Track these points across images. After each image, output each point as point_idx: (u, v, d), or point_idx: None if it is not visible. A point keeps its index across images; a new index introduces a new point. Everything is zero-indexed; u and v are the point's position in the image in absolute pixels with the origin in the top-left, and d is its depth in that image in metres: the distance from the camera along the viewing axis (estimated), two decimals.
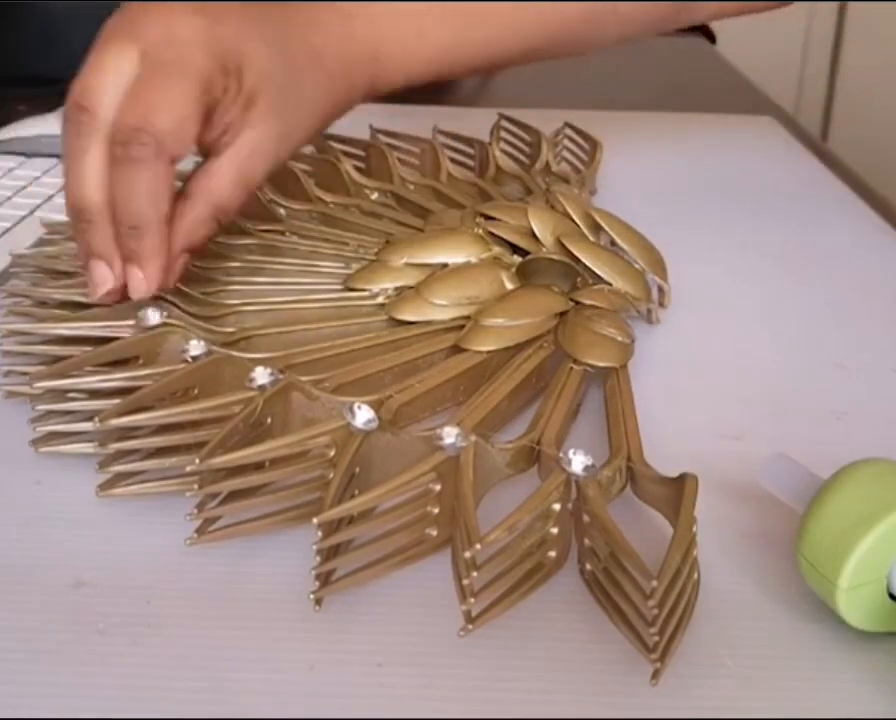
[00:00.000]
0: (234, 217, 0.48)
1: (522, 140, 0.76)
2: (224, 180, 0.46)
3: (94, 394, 0.40)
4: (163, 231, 0.43)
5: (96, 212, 0.43)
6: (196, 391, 0.40)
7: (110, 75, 0.43)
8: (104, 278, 0.43)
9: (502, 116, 0.78)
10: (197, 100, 0.44)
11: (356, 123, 0.80)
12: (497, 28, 0.59)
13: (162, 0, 0.46)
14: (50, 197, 0.67)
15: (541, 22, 0.60)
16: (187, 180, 0.46)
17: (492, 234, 0.54)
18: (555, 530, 0.33)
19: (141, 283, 0.43)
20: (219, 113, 0.45)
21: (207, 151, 0.47)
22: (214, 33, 0.45)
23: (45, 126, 0.78)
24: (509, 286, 0.50)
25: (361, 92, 0.55)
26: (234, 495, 0.35)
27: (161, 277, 0.44)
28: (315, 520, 0.32)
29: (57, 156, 0.74)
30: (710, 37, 1.42)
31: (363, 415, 0.36)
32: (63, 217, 0.60)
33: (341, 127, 0.77)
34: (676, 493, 0.34)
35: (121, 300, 0.44)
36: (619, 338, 0.46)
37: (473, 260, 0.52)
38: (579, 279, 0.51)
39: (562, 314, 0.48)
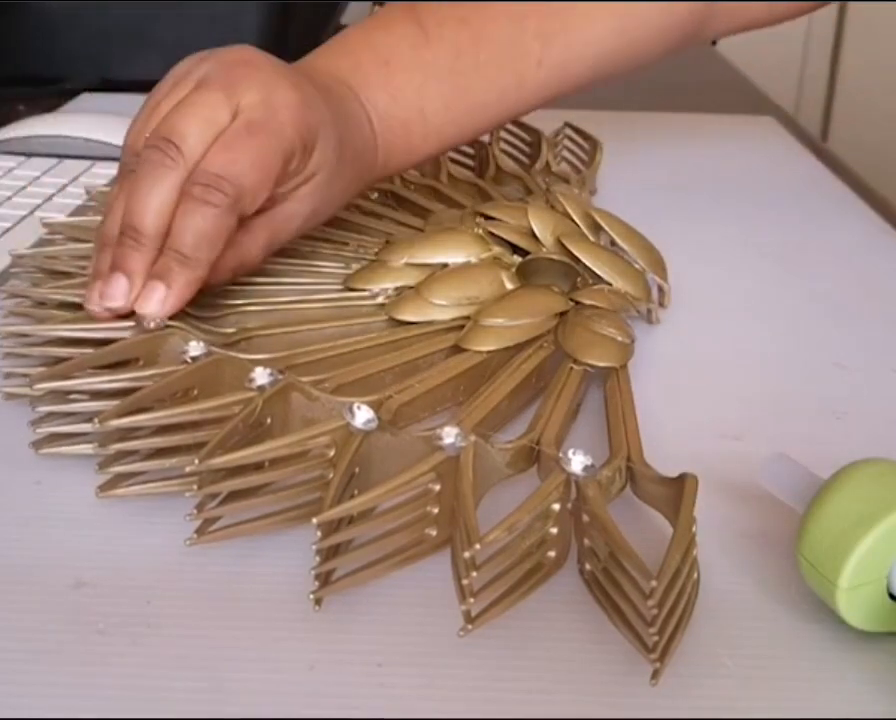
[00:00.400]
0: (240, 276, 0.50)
1: (522, 140, 0.76)
2: (255, 240, 0.48)
3: (94, 395, 0.40)
4: (206, 272, 0.45)
5: (150, 237, 0.44)
6: (196, 392, 0.40)
7: (202, 121, 0.45)
8: (119, 295, 0.43)
9: None
10: (279, 168, 0.46)
11: None
12: (498, 109, 0.61)
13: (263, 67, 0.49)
14: (50, 197, 0.67)
15: (548, 87, 0.62)
16: None
17: (492, 234, 0.54)
18: (555, 530, 0.33)
19: (158, 303, 0.43)
20: (281, 189, 0.48)
21: None
22: (304, 113, 0.48)
23: (44, 126, 0.78)
24: (509, 286, 0.50)
25: (367, 185, 0.59)
26: (234, 495, 0.35)
27: (178, 307, 0.44)
28: (315, 520, 0.32)
29: (57, 156, 0.74)
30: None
31: (363, 415, 0.36)
32: (63, 217, 0.60)
33: None
34: (676, 493, 0.34)
35: (110, 317, 0.44)
36: (619, 338, 0.46)
37: (473, 260, 0.52)
38: (579, 279, 0.51)
39: (562, 314, 0.48)
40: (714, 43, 1.39)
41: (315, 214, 0.51)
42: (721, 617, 0.33)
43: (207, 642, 0.32)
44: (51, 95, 0.96)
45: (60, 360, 0.41)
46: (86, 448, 0.39)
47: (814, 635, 0.33)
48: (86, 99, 0.96)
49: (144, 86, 1.00)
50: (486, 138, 0.73)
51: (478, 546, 0.30)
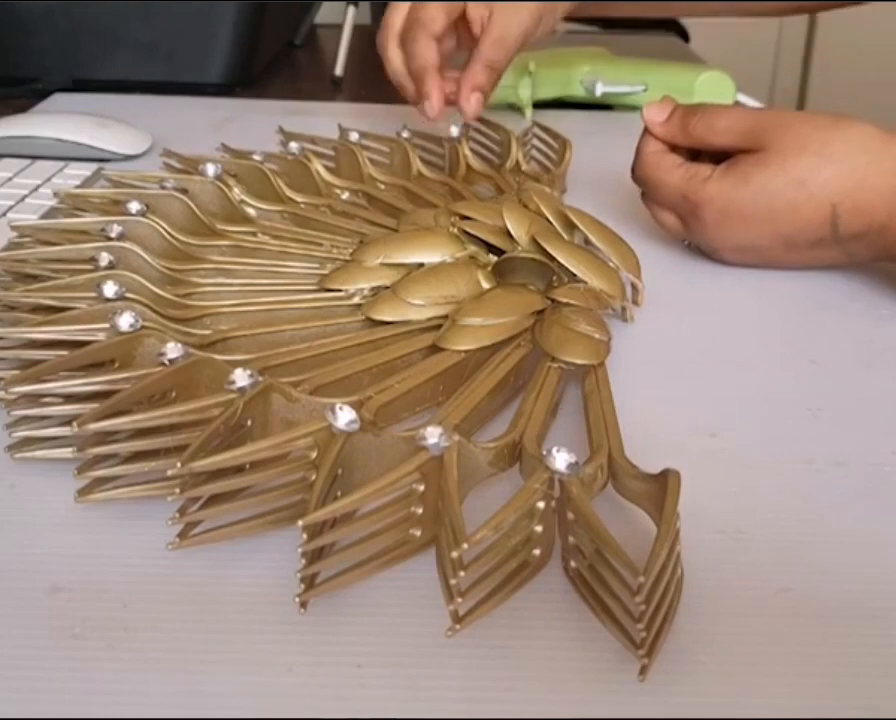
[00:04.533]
0: (499, 74, 0.77)
1: (491, 139, 0.77)
2: (486, 43, 0.75)
3: (69, 398, 0.39)
4: (435, 75, 0.74)
5: (402, 78, 0.78)
6: (174, 394, 0.39)
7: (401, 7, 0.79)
8: (421, 110, 0.75)
9: None
10: (446, 11, 0.76)
11: (325, 123, 0.80)
12: None
13: None
14: (23, 198, 0.66)
15: None
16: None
17: (467, 233, 0.54)
18: (539, 528, 0.33)
19: (430, 108, 0.74)
20: (471, 14, 0.77)
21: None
22: None
23: (16, 127, 0.77)
24: (485, 285, 0.50)
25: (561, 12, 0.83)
26: (215, 499, 0.35)
27: (440, 102, 0.74)
28: (300, 522, 0.31)
29: (29, 157, 0.74)
30: (684, 36, 1.44)
31: (345, 416, 0.36)
32: (35, 218, 0.59)
33: (309, 126, 0.77)
34: (658, 489, 0.34)
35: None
36: (596, 336, 0.46)
37: (449, 259, 0.52)
38: (554, 277, 0.52)
39: (539, 312, 0.48)
40: (687, 40, 1.40)
41: (522, 15, 0.77)
42: (700, 614, 0.33)
43: (184, 645, 0.32)
44: (23, 96, 0.95)
45: (34, 363, 0.41)
46: (63, 452, 0.38)
47: (794, 630, 0.33)
48: (58, 99, 0.95)
49: (116, 86, 0.99)
50: (456, 137, 0.73)
51: (466, 546, 0.30)
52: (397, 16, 0.78)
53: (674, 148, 0.61)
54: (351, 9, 1.14)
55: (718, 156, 0.59)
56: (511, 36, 0.76)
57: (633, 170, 0.62)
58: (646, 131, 0.61)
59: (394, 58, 0.78)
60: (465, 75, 0.75)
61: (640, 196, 0.63)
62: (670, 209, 0.60)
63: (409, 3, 0.78)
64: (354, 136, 0.73)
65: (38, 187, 0.68)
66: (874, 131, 0.55)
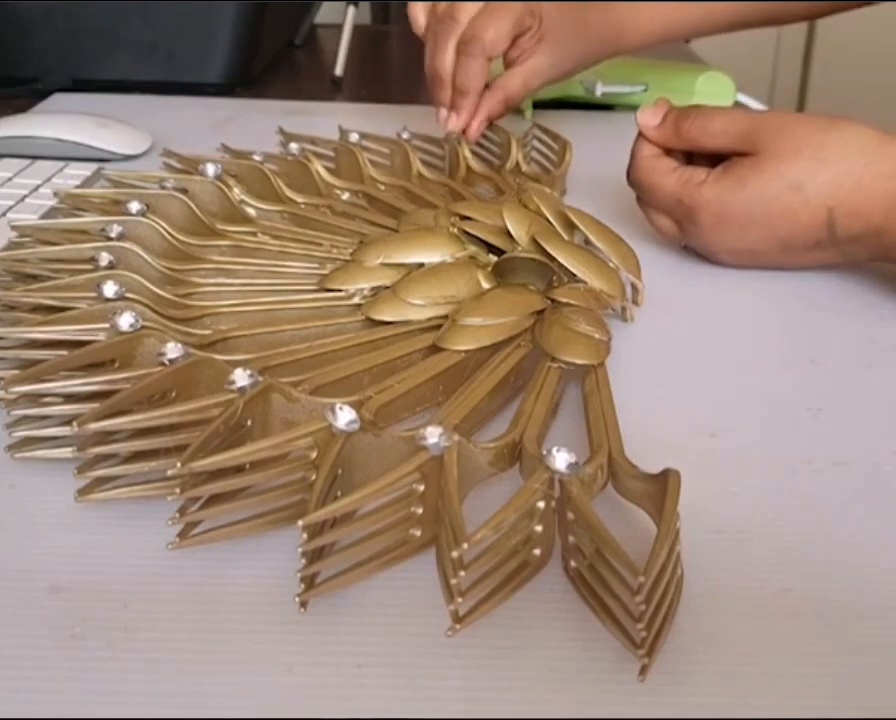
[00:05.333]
0: (512, 108, 0.78)
1: (491, 141, 0.77)
2: (514, 81, 0.77)
3: (70, 398, 0.39)
4: (476, 99, 0.75)
5: (445, 78, 0.75)
6: (174, 394, 0.39)
7: (468, 6, 0.75)
8: (443, 117, 0.75)
9: None
10: (511, 29, 0.74)
11: (325, 123, 0.80)
12: (704, 12, 0.85)
13: None
14: (23, 198, 0.66)
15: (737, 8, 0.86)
16: (494, 81, 0.76)
17: (467, 233, 0.54)
18: (539, 528, 0.33)
19: (455, 123, 0.74)
20: (522, 41, 0.76)
21: (508, 65, 0.78)
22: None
23: (16, 127, 0.77)
24: (485, 285, 0.50)
25: (608, 54, 0.84)
26: (215, 498, 0.35)
27: (466, 124, 0.74)
28: (301, 522, 0.31)
29: (29, 157, 0.74)
30: None
31: (345, 416, 0.36)
32: (35, 218, 0.59)
33: (309, 126, 0.77)
34: (658, 489, 0.34)
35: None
36: (596, 336, 0.46)
37: (449, 260, 0.52)
38: (554, 277, 0.52)
39: (539, 312, 0.48)
40: (687, 39, 1.40)
41: (557, 64, 0.78)
42: (700, 614, 0.33)
43: (184, 645, 0.32)
44: (23, 96, 0.95)
45: (34, 363, 0.41)
46: (63, 452, 0.38)
47: (794, 631, 0.33)
48: (58, 99, 0.95)
49: (116, 86, 0.99)
50: (455, 138, 0.73)
51: (466, 545, 0.30)
52: (463, 15, 0.75)
53: (669, 152, 0.61)
54: (351, 9, 1.14)
55: (713, 159, 0.59)
56: (541, 80, 0.78)
57: (628, 174, 0.62)
58: (640, 135, 0.61)
59: (447, 62, 0.75)
60: (484, 101, 0.75)
61: (636, 200, 0.63)
62: (666, 213, 0.60)
63: (478, 4, 0.75)
64: (354, 137, 0.73)
65: (38, 187, 0.68)
66: (871, 133, 0.54)
